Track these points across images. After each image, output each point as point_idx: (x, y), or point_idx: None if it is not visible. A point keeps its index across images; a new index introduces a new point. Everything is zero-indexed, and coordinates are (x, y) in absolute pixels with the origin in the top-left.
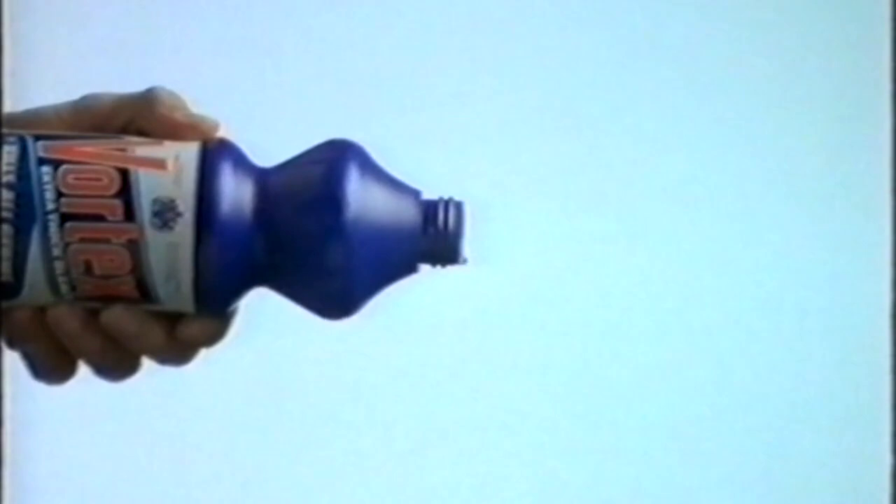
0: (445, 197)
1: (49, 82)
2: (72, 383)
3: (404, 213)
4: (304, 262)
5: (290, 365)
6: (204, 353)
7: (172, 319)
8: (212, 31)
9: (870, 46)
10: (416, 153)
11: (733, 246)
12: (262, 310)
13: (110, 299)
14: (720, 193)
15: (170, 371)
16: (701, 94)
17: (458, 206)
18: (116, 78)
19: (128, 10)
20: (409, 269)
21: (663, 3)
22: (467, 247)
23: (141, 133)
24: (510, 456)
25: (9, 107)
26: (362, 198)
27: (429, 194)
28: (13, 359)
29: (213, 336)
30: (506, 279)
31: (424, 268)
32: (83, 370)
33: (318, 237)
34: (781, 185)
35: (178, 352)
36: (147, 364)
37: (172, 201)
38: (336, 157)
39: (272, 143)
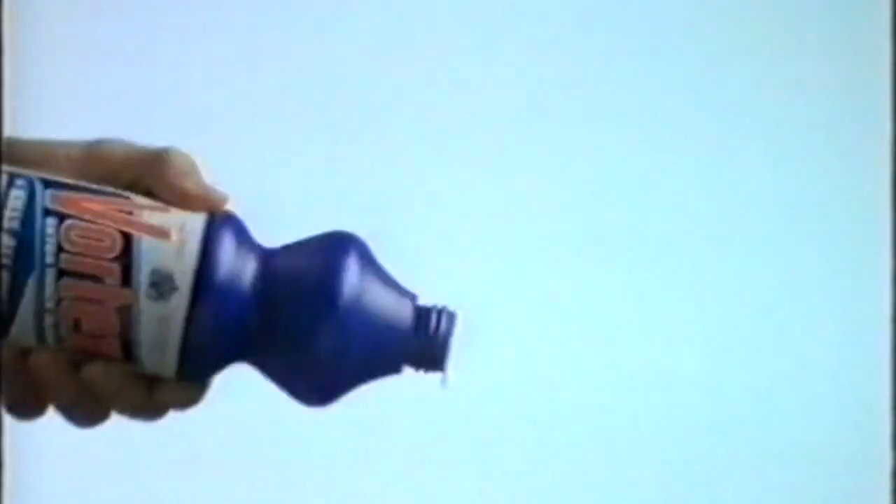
0: (440, 305)
1: (49, 82)
2: None
3: (397, 312)
4: (292, 348)
5: None
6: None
7: (150, 380)
8: (212, 35)
9: (870, 46)
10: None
11: (733, 246)
12: None
13: (93, 355)
14: (720, 194)
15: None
16: (700, 94)
17: (452, 316)
18: (117, 78)
19: (128, 11)
20: (394, 369)
21: (663, 5)
22: (453, 357)
23: (149, 192)
24: (506, 464)
25: (9, 106)
26: (357, 291)
27: (424, 299)
28: None
29: (189, 402)
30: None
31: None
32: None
33: (310, 324)
34: (781, 186)
35: (151, 411)
36: None
37: (171, 274)
38: (338, 247)
39: (269, 142)
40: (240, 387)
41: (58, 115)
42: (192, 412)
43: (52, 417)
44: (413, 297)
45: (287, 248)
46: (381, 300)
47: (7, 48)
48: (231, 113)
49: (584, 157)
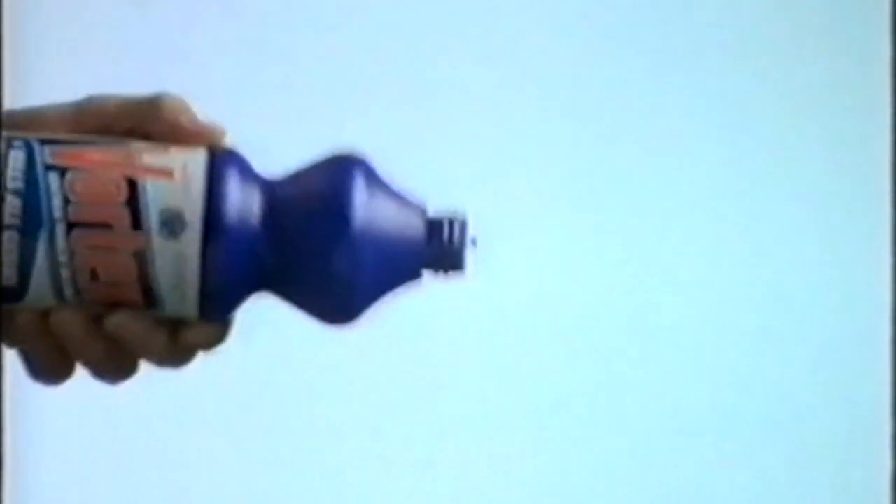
0: (450, 211)
1: (49, 83)
2: (71, 384)
3: (409, 225)
4: (309, 270)
5: (290, 369)
6: (203, 357)
7: (174, 324)
8: (213, 32)
9: (870, 46)
10: (418, 161)
11: (732, 247)
12: (262, 315)
13: (114, 305)
14: (719, 195)
15: (170, 373)
16: (699, 95)
17: (463, 222)
18: (117, 78)
19: (129, 10)
20: (413, 275)
21: (661, 5)
22: (469, 258)
23: (146, 138)
24: (506, 463)
25: (8, 106)
26: (368, 209)
27: (432, 205)
28: (14, 360)
29: (215, 341)
30: (505, 289)
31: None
32: (80, 371)
33: (325, 246)
34: (780, 186)
35: (178, 356)
36: (146, 366)
37: (180, 211)
38: (343, 168)
39: (275, 142)
40: (240, 389)
41: None
42: (193, 414)
43: (52, 418)
44: (423, 208)
45: (292, 175)
46: (392, 215)
47: (7, 48)
48: (230, 112)
49: (584, 161)
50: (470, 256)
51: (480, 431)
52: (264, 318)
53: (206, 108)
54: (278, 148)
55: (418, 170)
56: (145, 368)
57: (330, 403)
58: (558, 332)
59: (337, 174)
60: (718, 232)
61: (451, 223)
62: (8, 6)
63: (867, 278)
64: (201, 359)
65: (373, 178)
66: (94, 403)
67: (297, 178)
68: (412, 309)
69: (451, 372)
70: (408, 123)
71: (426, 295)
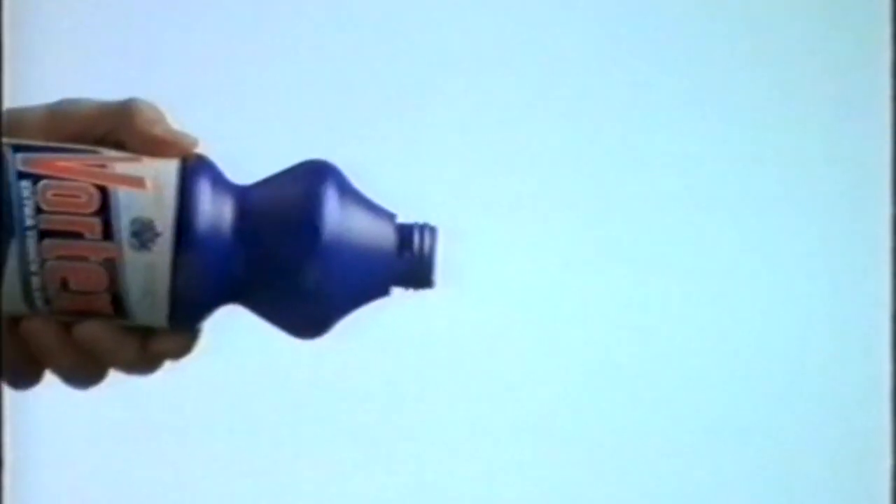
0: (420, 221)
1: (49, 83)
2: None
3: (380, 236)
4: (279, 282)
5: (286, 374)
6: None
7: (143, 332)
8: (211, 34)
9: (870, 46)
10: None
11: (732, 247)
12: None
13: (84, 314)
14: (719, 195)
15: (170, 373)
16: (699, 95)
17: (433, 231)
18: (117, 78)
19: (127, 13)
20: (383, 291)
21: (661, 5)
22: (438, 271)
23: (118, 145)
24: (491, 470)
25: (8, 105)
26: (339, 220)
27: (403, 217)
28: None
29: (184, 350)
30: (476, 301)
31: (396, 292)
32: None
33: (295, 258)
34: (780, 186)
35: (146, 364)
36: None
37: (151, 221)
38: (314, 178)
39: (247, 149)
40: (239, 389)
41: None
42: (193, 416)
43: (52, 418)
44: (392, 217)
45: (263, 184)
46: (362, 225)
47: (7, 48)
48: (230, 111)
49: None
50: (439, 268)
51: (465, 437)
52: (263, 321)
53: (189, 112)
54: (250, 155)
55: (392, 180)
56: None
57: (318, 413)
58: (543, 336)
59: (308, 183)
60: (716, 233)
61: (421, 233)
62: (8, 6)
63: (867, 278)
64: (201, 360)
65: (344, 186)
66: (94, 404)
67: (269, 185)
68: (396, 317)
69: (436, 378)
70: (381, 132)
71: (412, 303)
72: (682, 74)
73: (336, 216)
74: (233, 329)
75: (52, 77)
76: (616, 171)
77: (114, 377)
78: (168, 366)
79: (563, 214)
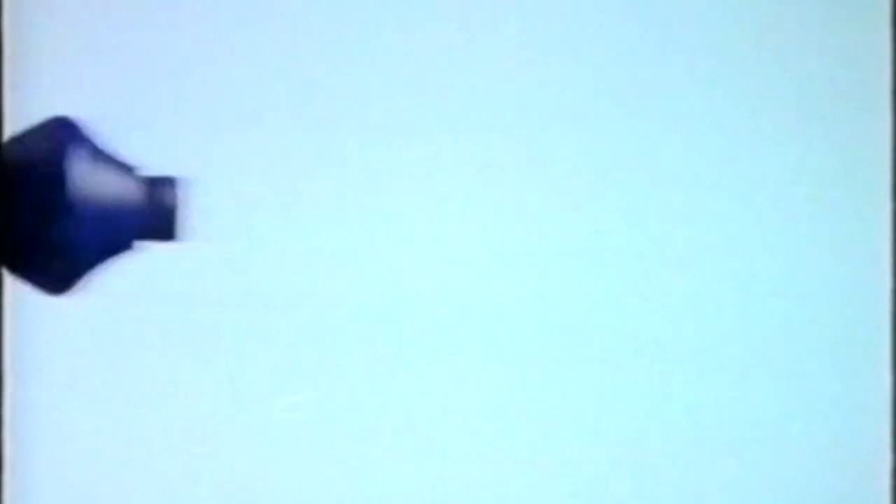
0: (164, 175)
1: (49, 83)
2: (71, 385)
3: (124, 188)
4: (27, 242)
5: (289, 369)
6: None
7: None
8: (211, 34)
9: (870, 46)
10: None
11: (731, 248)
12: (262, 321)
13: None
14: (719, 195)
15: (171, 374)
16: (698, 95)
17: (176, 182)
18: (117, 78)
19: (128, 11)
20: (126, 245)
21: (662, 4)
22: (184, 224)
23: None
24: (483, 464)
25: (9, 104)
26: (85, 177)
27: (148, 171)
28: (14, 361)
29: None
30: (490, 288)
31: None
32: (78, 372)
33: (42, 218)
34: (781, 185)
35: None
36: (151, 370)
37: None
38: (60, 135)
39: (268, 139)
40: (238, 390)
41: (57, 114)
42: (193, 415)
43: (52, 418)
44: (135, 170)
45: (10, 142)
46: (107, 179)
47: (7, 48)
48: (228, 110)
49: (580, 142)
50: (187, 221)
51: (457, 431)
52: (264, 324)
53: (203, 104)
54: (279, 145)
55: (146, 135)
56: (148, 372)
57: (318, 407)
58: (552, 332)
59: (52, 142)
60: (716, 233)
61: (164, 184)
62: (8, 6)
63: (867, 278)
64: (203, 362)
65: (88, 143)
66: (94, 404)
67: (14, 145)
68: (395, 308)
69: (430, 371)
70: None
71: (405, 294)
72: (682, 75)
73: (81, 171)
74: (232, 329)
75: (52, 77)
76: (616, 171)
77: (117, 379)
78: (168, 370)
79: (579, 210)
